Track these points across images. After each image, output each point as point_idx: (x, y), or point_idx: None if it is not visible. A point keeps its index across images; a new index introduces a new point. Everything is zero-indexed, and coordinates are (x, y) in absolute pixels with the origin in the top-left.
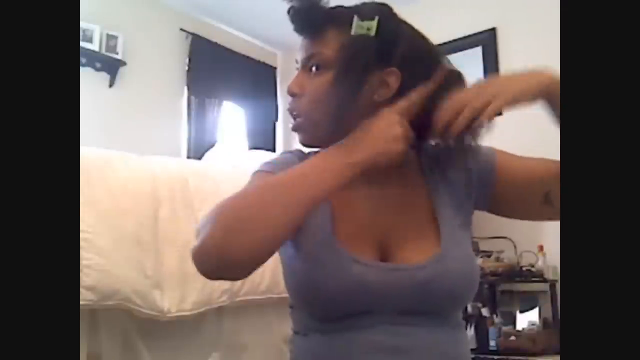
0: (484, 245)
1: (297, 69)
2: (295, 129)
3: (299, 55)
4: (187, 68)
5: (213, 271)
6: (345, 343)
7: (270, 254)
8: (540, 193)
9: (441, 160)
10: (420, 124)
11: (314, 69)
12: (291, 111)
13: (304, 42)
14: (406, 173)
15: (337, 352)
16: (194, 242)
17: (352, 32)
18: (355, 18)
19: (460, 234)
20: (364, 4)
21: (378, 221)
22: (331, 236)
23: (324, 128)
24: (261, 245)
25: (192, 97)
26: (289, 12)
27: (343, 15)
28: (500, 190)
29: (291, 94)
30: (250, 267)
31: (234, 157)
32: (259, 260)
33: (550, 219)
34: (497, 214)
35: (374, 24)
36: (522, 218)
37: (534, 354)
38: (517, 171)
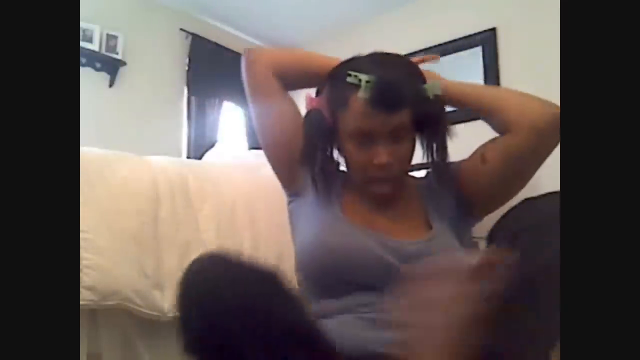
0: (484, 245)
1: (362, 141)
2: (389, 189)
3: (370, 125)
4: (187, 68)
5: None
6: (339, 324)
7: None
8: (478, 156)
9: (432, 185)
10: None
11: (400, 136)
12: (385, 178)
13: (381, 115)
14: (404, 192)
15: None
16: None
17: (431, 97)
18: (428, 85)
19: (452, 236)
20: (410, 65)
21: (378, 218)
22: (340, 213)
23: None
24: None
25: (192, 97)
26: (373, 90)
27: (413, 83)
28: (463, 174)
29: (389, 165)
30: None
31: (234, 157)
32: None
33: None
34: (479, 207)
35: (439, 84)
36: (490, 199)
37: None
38: (466, 162)
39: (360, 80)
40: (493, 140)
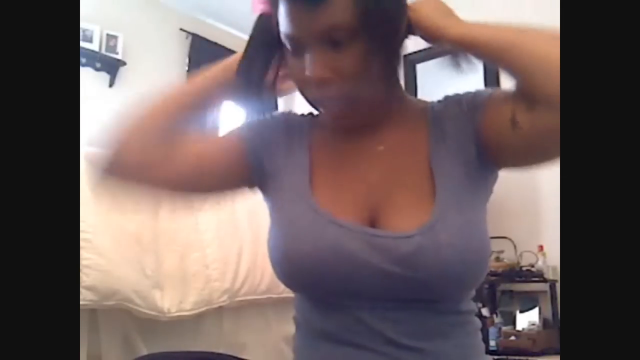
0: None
1: (293, 49)
2: (343, 115)
3: (292, 28)
4: (187, 68)
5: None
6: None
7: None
8: (508, 115)
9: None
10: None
11: (339, 40)
12: (330, 96)
13: (303, 13)
14: (405, 126)
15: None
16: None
17: None
18: None
19: (465, 198)
20: None
21: (365, 180)
22: (308, 193)
23: (372, 102)
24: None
25: None
26: None
27: None
28: (487, 125)
29: (324, 80)
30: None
31: None
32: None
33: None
34: (500, 164)
35: None
36: (508, 160)
37: (534, 354)
38: (491, 115)
39: None
40: None
